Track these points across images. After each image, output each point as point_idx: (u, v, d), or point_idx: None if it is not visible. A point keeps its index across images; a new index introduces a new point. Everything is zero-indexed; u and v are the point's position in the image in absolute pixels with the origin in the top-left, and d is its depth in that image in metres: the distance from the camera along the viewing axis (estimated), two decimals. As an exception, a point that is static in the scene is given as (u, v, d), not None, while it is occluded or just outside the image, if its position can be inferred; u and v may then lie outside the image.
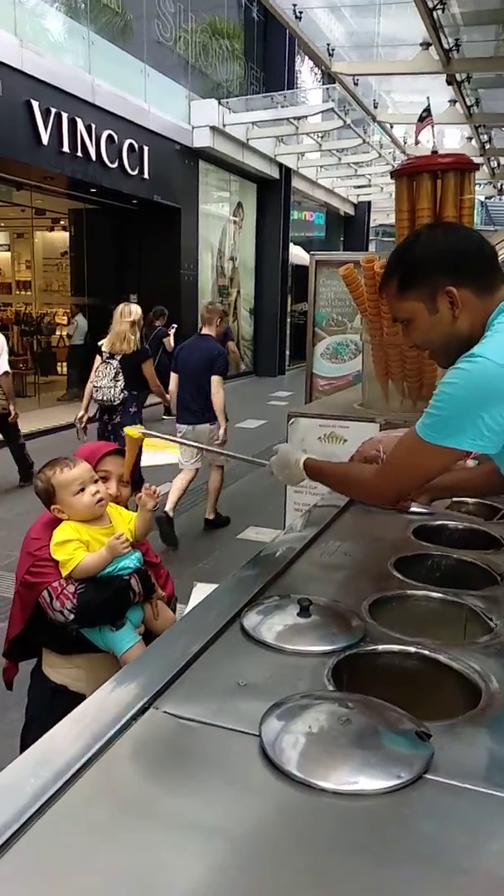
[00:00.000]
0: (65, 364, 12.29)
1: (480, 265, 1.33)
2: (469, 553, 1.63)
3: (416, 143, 3.08)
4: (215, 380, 5.08)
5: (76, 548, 1.76)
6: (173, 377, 5.35)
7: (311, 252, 4.25)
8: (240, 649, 1.16)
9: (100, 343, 5.22)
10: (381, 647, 1.17)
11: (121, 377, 5.05)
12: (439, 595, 1.39)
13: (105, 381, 5.07)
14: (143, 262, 11.95)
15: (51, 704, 1.87)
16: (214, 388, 5.08)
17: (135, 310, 5.20)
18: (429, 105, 4.10)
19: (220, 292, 14.24)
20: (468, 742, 0.90)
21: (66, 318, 13.57)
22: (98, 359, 5.16)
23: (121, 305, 5.29)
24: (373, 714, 0.92)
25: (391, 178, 2.77)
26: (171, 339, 9.51)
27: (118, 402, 5.11)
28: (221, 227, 14.03)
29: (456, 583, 1.58)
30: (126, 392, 5.10)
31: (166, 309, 10.10)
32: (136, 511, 1.95)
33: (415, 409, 2.49)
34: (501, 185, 14.79)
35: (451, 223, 1.71)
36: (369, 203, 20.33)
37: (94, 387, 5.15)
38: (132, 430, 1.87)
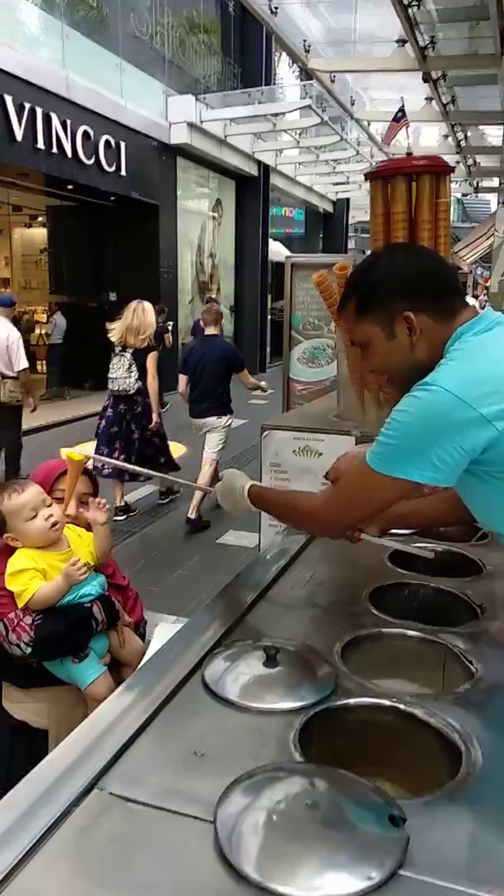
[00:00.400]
0: (45, 363, 12.09)
1: (440, 290, 1.28)
2: (448, 581, 1.55)
3: (388, 143, 3.02)
4: (244, 373, 5.59)
5: (31, 577, 1.65)
6: (182, 378, 5.57)
7: (287, 255, 4.16)
8: (200, 707, 1.07)
9: (110, 336, 5.45)
10: (352, 701, 1.09)
11: (134, 368, 5.29)
12: (416, 634, 1.30)
13: (120, 372, 5.32)
14: (122, 260, 11.79)
15: (11, 743, 1.78)
16: (245, 379, 5.61)
17: (148, 307, 5.46)
18: (403, 106, 4.03)
19: (201, 290, 14.11)
20: (447, 825, 0.82)
21: (45, 315, 13.37)
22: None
23: (134, 302, 5.50)
24: (341, 794, 0.83)
25: (365, 180, 2.69)
26: (170, 335, 9.50)
27: (133, 391, 5.33)
28: (201, 224, 13.89)
29: (435, 614, 1.50)
30: (140, 382, 5.32)
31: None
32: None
33: (387, 384, 2.41)
34: (477, 183, 14.79)
35: (412, 245, 1.65)
36: (348, 200, 20.30)
37: (110, 378, 5.39)
38: (73, 453, 1.73)
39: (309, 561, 1.63)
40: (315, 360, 3.97)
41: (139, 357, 5.32)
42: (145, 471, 2.01)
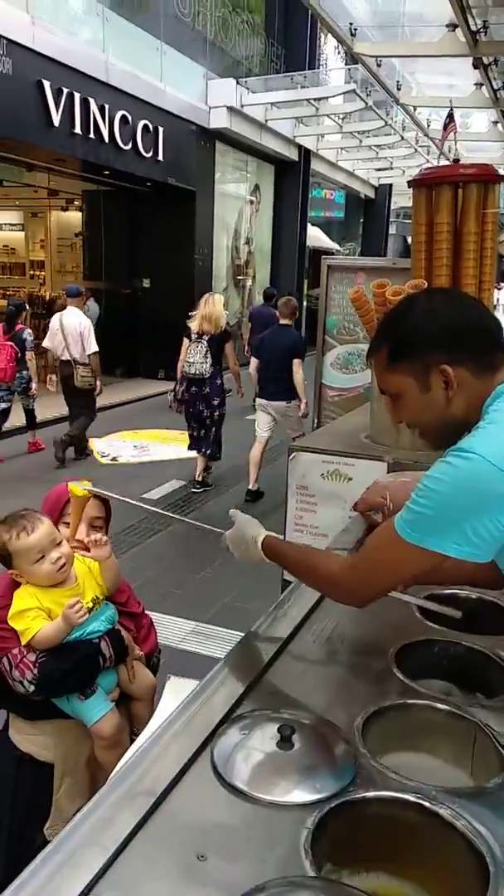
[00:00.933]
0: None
1: (480, 343, 1.18)
2: (480, 640, 1.45)
3: (440, 153, 2.88)
4: (296, 362, 6.01)
5: (35, 616, 1.60)
6: (254, 361, 6.34)
7: (324, 256, 4.03)
8: (208, 795, 0.99)
9: (189, 324, 6.16)
10: (372, 794, 1.00)
11: (209, 354, 6.03)
12: (445, 708, 1.21)
13: (197, 357, 6.04)
14: (157, 246, 11.71)
15: (16, 774, 1.73)
16: (295, 369, 6.01)
17: (218, 298, 6.30)
18: (451, 111, 3.86)
19: (238, 274, 13.95)
20: None
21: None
22: (186, 340, 6.13)
23: (206, 295, 6.39)
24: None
25: (408, 187, 2.55)
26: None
27: (208, 374, 6.09)
28: (238, 209, 13.72)
29: (466, 676, 1.41)
30: (214, 367, 6.09)
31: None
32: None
33: (425, 447, 2.29)
34: (527, 171, 14.33)
35: (451, 290, 1.54)
36: (390, 186, 19.91)
37: (187, 362, 6.10)
38: (76, 487, 1.64)
39: (332, 609, 1.54)
40: (349, 366, 3.85)
41: (213, 344, 6.05)
42: (150, 508, 1.90)
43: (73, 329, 6.71)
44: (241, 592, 4.41)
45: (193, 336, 6.07)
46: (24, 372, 7.04)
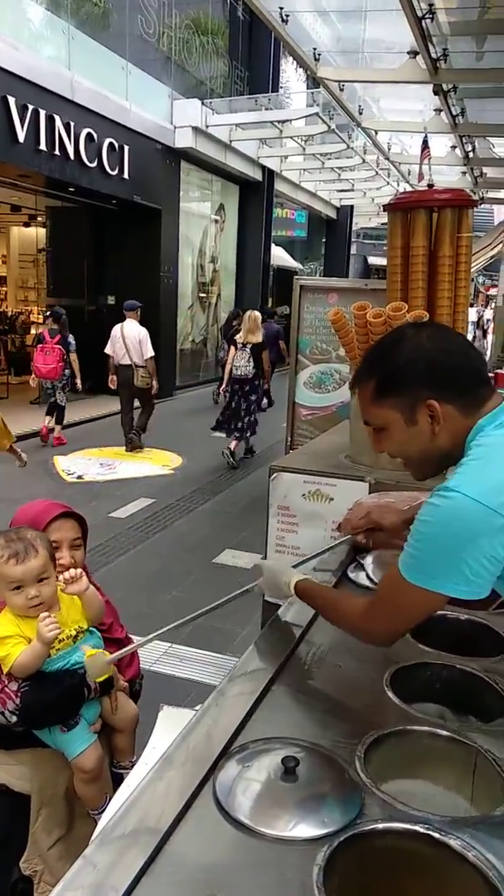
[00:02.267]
0: (39, 365, 11.95)
1: (467, 380, 1.21)
2: (472, 662, 1.45)
3: (420, 179, 2.95)
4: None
5: (15, 643, 1.55)
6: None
7: (296, 276, 4.06)
8: (213, 832, 0.96)
9: (236, 337, 7.89)
10: (381, 827, 0.98)
11: (251, 359, 7.67)
12: (445, 734, 1.20)
13: (242, 362, 7.69)
14: (122, 263, 11.67)
15: None
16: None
17: (257, 314, 7.91)
18: (426, 138, 3.96)
19: (201, 291, 13.98)
20: None
21: (41, 317, 13.24)
22: (233, 349, 7.85)
23: (248, 311, 8.07)
24: None
25: (383, 210, 2.59)
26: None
27: (250, 375, 7.74)
28: (203, 228, 13.79)
29: (461, 699, 1.41)
30: (255, 370, 7.71)
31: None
32: None
33: (404, 467, 2.30)
34: (483, 194, 14.72)
35: (439, 325, 1.58)
36: (352, 207, 20.26)
37: (234, 366, 7.74)
38: (95, 661, 1.58)
39: (326, 629, 1.53)
40: (322, 385, 3.87)
41: (254, 351, 7.67)
42: (143, 640, 1.80)
43: (133, 337, 8.05)
44: (214, 613, 4.35)
45: (239, 346, 7.74)
46: (67, 371, 8.31)
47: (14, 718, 1.54)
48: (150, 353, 8.09)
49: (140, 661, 1.99)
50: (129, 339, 8.05)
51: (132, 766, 1.78)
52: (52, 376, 8.26)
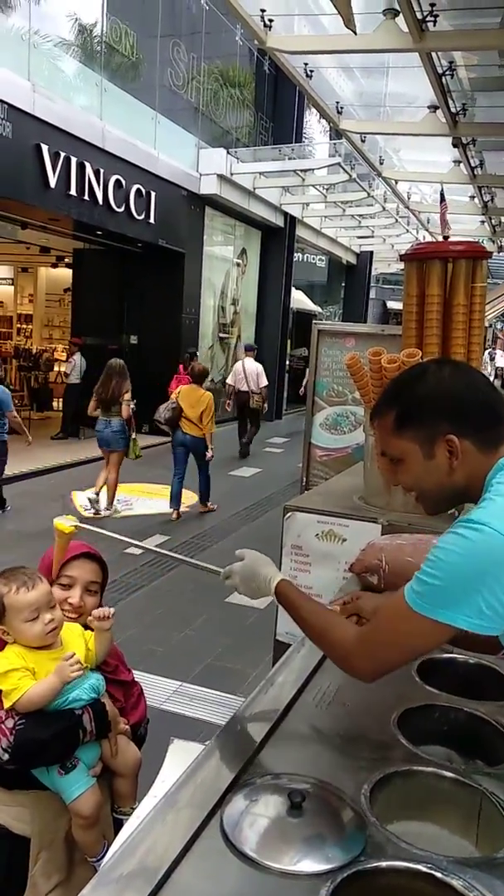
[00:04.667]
0: (61, 402, 12.15)
1: (486, 417, 1.22)
2: (481, 706, 1.46)
3: (445, 229, 3.02)
4: None
5: (21, 677, 1.55)
6: None
7: (315, 321, 4.15)
8: (218, 863, 0.98)
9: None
10: (384, 864, 1.00)
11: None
12: (450, 775, 1.21)
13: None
14: (146, 304, 11.93)
15: None
16: None
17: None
18: (443, 191, 4.09)
19: (222, 332, 14.19)
20: None
21: (64, 354, 13.51)
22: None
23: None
24: None
25: (400, 260, 2.67)
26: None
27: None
28: (225, 271, 14.08)
29: (468, 742, 1.42)
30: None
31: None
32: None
33: (418, 509, 2.33)
34: (501, 243, 14.93)
35: (460, 363, 1.58)
36: (371, 253, 20.57)
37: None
38: (62, 523, 1.61)
39: (335, 667, 1.54)
40: (338, 427, 3.92)
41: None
42: (150, 548, 1.88)
43: (252, 371, 10.65)
44: (225, 651, 4.35)
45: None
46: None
47: (6, 756, 1.52)
48: (264, 382, 10.66)
49: (147, 706, 1.96)
50: (248, 372, 10.58)
51: (133, 812, 1.76)
52: None
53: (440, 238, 2.74)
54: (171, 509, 7.21)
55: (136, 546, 1.82)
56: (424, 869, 0.99)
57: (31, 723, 1.54)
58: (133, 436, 7.20)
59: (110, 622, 1.69)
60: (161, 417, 7.10)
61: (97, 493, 7.12)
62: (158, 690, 3.82)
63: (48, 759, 1.56)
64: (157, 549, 1.82)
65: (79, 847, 1.65)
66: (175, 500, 7.21)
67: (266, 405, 10.88)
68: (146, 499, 8.00)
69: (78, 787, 1.57)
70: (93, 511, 7.23)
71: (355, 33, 4.68)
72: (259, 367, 10.79)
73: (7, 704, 1.55)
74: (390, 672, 1.22)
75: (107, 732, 1.66)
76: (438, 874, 0.98)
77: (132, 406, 7.10)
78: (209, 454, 7.27)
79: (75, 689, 1.61)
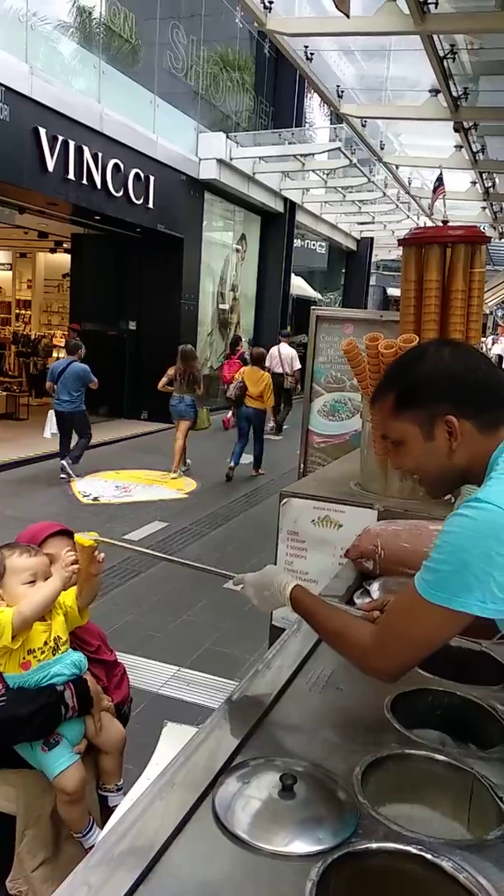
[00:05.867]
0: (60, 388, 12.12)
1: (487, 397, 1.19)
2: (473, 690, 1.46)
3: (431, 213, 2.99)
4: None
5: (3, 609, 1.59)
6: None
7: (313, 308, 4.13)
8: (210, 844, 0.98)
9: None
10: (375, 846, 1.00)
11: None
12: (443, 759, 1.22)
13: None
14: (144, 290, 11.87)
15: None
16: None
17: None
18: (441, 175, 4.05)
19: (220, 317, 14.14)
20: None
21: (63, 340, 13.48)
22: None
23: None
24: None
25: (399, 245, 2.65)
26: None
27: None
28: (224, 257, 14.00)
29: (461, 726, 1.42)
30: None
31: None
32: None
33: (414, 495, 2.34)
34: (502, 230, 14.84)
35: (461, 343, 1.55)
36: (372, 239, 20.46)
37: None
38: (83, 538, 1.63)
39: (329, 652, 1.54)
40: (336, 414, 3.91)
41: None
42: (155, 554, 1.87)
43: (287, 355, 11.79)
44: (223, 637, 4.37)
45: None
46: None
47: None
48: (298, 366, 11.40)
49: (130, 686, 1.98)
50: (284, 356, 11.74)
51: (118, 790, 1.78)
52: (230, 381, 9.88)
53: (440, 224, 2.72)
54: (231, 464, 8.63)
55: (157, 558, 1.82)
56: (414, 850, 0.99)
57: (12, 699, 1.56)
58: (201, 408, 8.62)
59: (100, 567, 1.69)
60: (231, 394, 8.68)
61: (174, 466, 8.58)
62: (156, 675, 3.84)
63: (30, 734, 1.58)
64: (174, 559, 1.74)
65: (65, 824, 1.67)
66: (235, 458, 8.65)
67: (299, 386, 11.36)
68: (145, 486, 8.01)
69: (61, 763, 1.59)
70: (92, 497, 7.26)
71: (347, 17, 4.61)
72: (293, 352, 11.79)
73: (6, 619, 1.56)
74: (410, 669, 1.19)
75: (90, 708, 1.68)
76: (428, 855, 0.98)
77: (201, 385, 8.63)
78: (270, 424, 9.27)
79: (57, 663, 1.63)
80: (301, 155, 12.65)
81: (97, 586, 1.76)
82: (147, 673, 3.83)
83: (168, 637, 4.41)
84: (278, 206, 14.74)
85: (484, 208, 13.03)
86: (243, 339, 12.91)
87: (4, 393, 11.89)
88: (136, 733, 1.92)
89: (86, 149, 9.00)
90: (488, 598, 1.03)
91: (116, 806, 1.59)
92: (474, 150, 9.20)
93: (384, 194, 14.16)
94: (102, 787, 1.79)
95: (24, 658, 1.61)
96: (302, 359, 9.88)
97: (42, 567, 1.65)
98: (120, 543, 1.73)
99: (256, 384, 8.49)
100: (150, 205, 10.62)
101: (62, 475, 7.82)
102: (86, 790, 1.67)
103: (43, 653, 1.63)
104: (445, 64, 6.60)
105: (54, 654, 1.65)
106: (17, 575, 1.62)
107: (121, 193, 9.88)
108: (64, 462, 7.87)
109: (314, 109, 15.63)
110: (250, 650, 4.05)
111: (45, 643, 1.64)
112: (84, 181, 9.08)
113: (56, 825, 1.67)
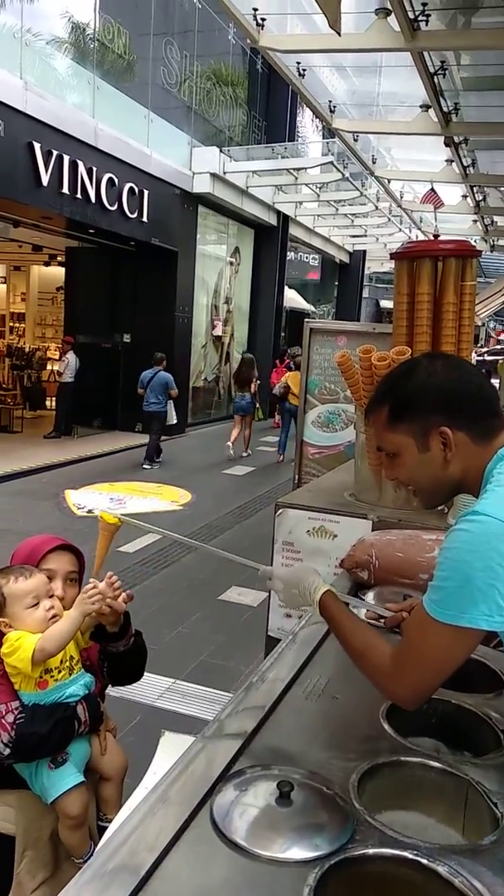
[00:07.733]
0: (54, 400, 12.14)
1: (479, 409, 1.21)
2: (468, 698, 1.47)
3: (418, 222, 3.03)
4: None
5: (26, 637, 1.58)
6: None
7: (306, 320, 4.17)
8: (208, 851, 0.99)
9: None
10: (371, 852, 1.01)
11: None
12: (438, 765, 1.23)
13: None
14: (138, 302, 11.93)
15: None
16: None
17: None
18: (433, 187, 4.12)
19: (214, 334, 14.21)
20: None
21: (57, 353, 13.49)
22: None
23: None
24: None
25: (390, 259, 2.69)
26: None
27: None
28: (218, 270, 14.09)
29: (456, 734, 1.43)
30: None
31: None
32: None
33: (408, 505, 2.36)
34: (493, 242, 14.99)
35: (452, 356, 1.58)
36: (364, 252, 20.62)
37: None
38: (108, 514, 1.61)
39: (325, 661, 1.56)
40: (330, 425, 3.94)
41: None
42: (179, 537, 1.88)
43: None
44: (218, 650, 4.37)
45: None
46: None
47: (7, 751, 1.53)
48: None
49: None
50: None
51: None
52: (276, 383, 11.80)
53: (432, 237, 2.76)
54: (279, 455, 10.71)
55: (179, 540, 1.79)
56: (410, 856, 1.01)
57: (30, 717, 1.56)
58: (257, 405, 10.96)
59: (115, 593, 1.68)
60: (277, 392, 10.90)
61: (230, 444, 10.54)
62: (151, 688, 3.83)
63: (48, 750, 1.58)
64: (200, 544, 1.71)
65: (64, 847, 1.65)
66: (281, 448, 10.63)
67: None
68: (139, 497, 8.02)
69: (66, 782, 1.58)
70: (86, 510, 7.25)
71: (339, 34, 4.68)
72: None
73: (27, 656, 1.55)
74: (432, 693, 1.19)
75: (99, 724, 1.69)
76: (424, 861, 1.00)
77: (256, 385, 10.80)
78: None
79: (71, 685, 1.64)
80: (294, 169, 12.77)
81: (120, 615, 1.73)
82: (142, 685, 3.81)
83: (163, 649, 4.41)
84: (271, 220, 14.85)
85: (475, 221, 13.16)
86: (289, 350, 12.93)
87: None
88: (132, 745, 1.92)
89: (80, 163, 9.07)
90: (494, 611, 1.03)
91: None
92: (465, 164, 9.32)
93: (376, 208, 14.30)
94: (102, 817, 1.76)
95: (41, 677, 1.61)
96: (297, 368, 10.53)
97: (41, 586, 1.64)
98: (145, 525, 1.70)
99: (298, 386, 9.71)
100: (145, 218, 10.69)
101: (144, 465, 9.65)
102: (88, 815, 1.66)
103: (60, 671, 1.63)
104: (436, 80, 6.69)
105: (71, 674, 1.65)
106: (20, 600, 1.61)
107: (115, 207, 9.94)
108: (146, 465, 9.65)
109: (307, 124, 15.79)
110: (246, 662, 4.05)
111: (62, 661, 1.64)
112: (78, 195, 9.14)
113: (55, 846, 1.65)
